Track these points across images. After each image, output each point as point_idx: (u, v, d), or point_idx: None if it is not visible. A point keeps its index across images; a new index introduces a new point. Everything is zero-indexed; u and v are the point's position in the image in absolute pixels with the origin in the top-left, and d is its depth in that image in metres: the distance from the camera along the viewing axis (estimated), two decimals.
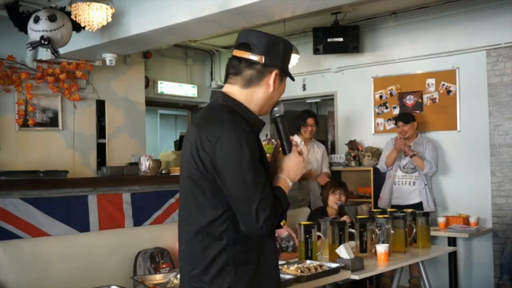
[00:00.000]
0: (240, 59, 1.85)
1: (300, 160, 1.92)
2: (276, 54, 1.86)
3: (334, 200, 4.31)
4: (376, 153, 5.88)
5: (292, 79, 1.96)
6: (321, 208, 4.51)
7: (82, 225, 3.38)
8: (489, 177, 5.31)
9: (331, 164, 6.13)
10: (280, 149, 1.95)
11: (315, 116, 5.76)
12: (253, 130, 1.80)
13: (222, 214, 1.76)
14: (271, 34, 1.88)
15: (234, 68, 1.86)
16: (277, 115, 1.95)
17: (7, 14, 4.51)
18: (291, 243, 4.09)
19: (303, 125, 5.64)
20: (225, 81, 1.91)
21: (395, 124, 5.55)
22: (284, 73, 1.91)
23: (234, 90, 1.86)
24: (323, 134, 8.43)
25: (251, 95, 1.86)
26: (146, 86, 6.83)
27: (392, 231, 3.64)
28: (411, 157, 5.31)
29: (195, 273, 1.80)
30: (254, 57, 1.83)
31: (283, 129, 1.95)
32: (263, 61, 1.83)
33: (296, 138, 5.42)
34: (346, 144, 6.21)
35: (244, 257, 1.79)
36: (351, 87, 6.34)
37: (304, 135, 5.62)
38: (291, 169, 1.89)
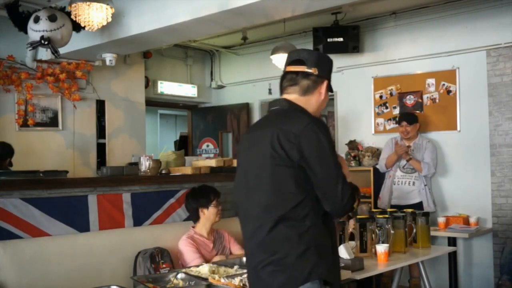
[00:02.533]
0: (296, 72, 2.17)
1: (344, 161, 2.23)
2: (326, 67, 2.21)
3: None
4: (376, 153, 5.88)
5: (332, 91, 2.25)
6: None
7: (82, 225, 3.37)
8: (489, 177, 5.31)
9: None
10: None
11: None
12: None
13: (304, 199, 1.99)
14: (318, 51, 2.18)
15: (291, 80, 2.18)
16: None
17: (7, 14, 4.51)
18: None
19: None
20: (281, 94, 2.21)
21: (398, 123, 5.55)
22: (329, 85, 2.23)
23: (293, 97, 2.17)
24: None
25: (307, 102, 2.17)
26: (146, 86, 6.83)
27: (392, 231, 3.64)
28: (407, 161, 5.32)
29: (275, 258, 1.97)
30: (309, 70, 2.15)
31: None
32: (317, 72, 2.15)
33: None
34: (346, 144, 6.21)
35: (323, 239, 2.03)
36: (351, 87, 6.34)
37: None
38: (344, 165, 2.12)
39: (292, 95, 2.17)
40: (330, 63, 2.25)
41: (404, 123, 5.43)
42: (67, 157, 5.73)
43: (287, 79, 2.19)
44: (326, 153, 1.99)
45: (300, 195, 1.98)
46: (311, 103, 2.17)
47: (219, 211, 3.63)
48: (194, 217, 3.67)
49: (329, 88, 2.22)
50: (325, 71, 2.20)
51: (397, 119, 5.77)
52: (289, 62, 2.22)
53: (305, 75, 2.15)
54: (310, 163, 1.97)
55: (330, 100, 7.15)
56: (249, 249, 2.12)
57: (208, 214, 3.59)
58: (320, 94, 2.18)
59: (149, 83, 6.98)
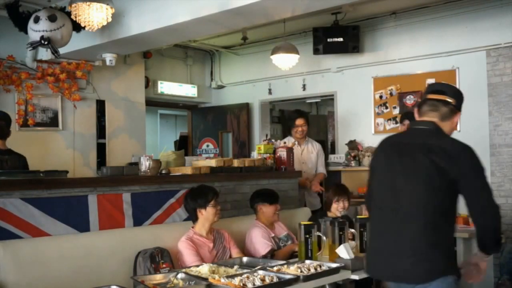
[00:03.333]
0: (438, 100, 2.50)
1: None
2: (461, 100, 2.55)
3: (338, 208, 4.30)
4: None
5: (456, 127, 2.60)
6: (323, 213, 4.51)
7: (82, 225, 3.36)
8: (489, 177, 5.31)
9: (330, 164, 6.13)
10: None
11: (304, 115, 5.62)
12: None
13: (450, 207, 2.37)
14: (455, 86, 2.66)
15: (433, 106, 2.50)
16: None
17: (7, 14, 4.52)
18: (289, 242, 4.09)
19: (292, 126, 5.53)
20: (420, 117, 2.54)
21: (401, 122, 5.54)
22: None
23: (435, 121, 2.49)
24: (323, 134, 8.43)
25: (443, 127, 2.49)
26: (146, 86, 6.83)
27: None
28: None
29: (422, 252, 2.31)
30: (449, 99, 2.49)
31: None
32: (455, 103, 2.49)
33: (288, 139, 5.44)
34: (346, 144, 6.21)
35: (454, 243, 2.46)
36: (351, 87, 6.34)
37: (295, 135, 5.53)
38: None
39: (434, 119, 2.49)
40: (463, 98, 2.56)
41: (407, 121, 5.41)
42: (67, 157, 5.73)
43: (428, 104, 2.51)
44: (481, 172, 2.37)
45: (447, 204, 2.35)
46: (446, 129, 2.49)
47: (217, 211, 3.63)
48: (193, 218, 3.67)
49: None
50: (460, 104, 2.53)
51: (397, 118, 5.77)
52: (430, 91, 2.56)
53: (446, 103, 2.48)
54: (468, 178, 2.33)
55: (330, 100, 7.17)
56: (391, 244, 2.41)
57: (206, 214, 3.59)
58: (452, 122, 2.52)
59: (149, 83, 6.98)
